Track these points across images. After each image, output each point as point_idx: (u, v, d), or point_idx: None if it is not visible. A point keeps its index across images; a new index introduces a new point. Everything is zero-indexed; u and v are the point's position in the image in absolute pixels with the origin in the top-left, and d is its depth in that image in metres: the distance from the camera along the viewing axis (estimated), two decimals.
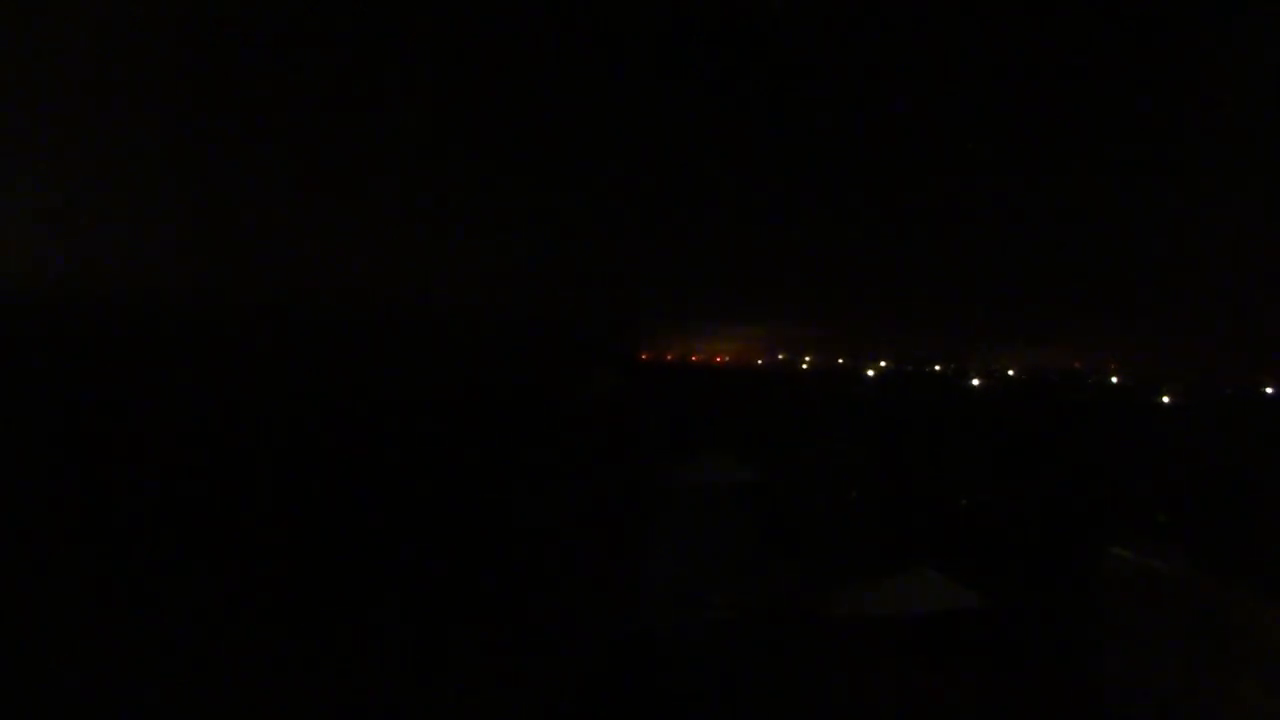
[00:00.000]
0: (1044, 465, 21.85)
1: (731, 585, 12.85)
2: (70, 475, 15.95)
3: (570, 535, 14.86)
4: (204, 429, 19.56)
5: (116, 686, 9.68)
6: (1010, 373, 60.10)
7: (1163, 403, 39.62)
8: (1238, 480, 19.28)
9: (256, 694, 9.86)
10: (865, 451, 21.66)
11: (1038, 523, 17.30)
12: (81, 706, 9.41)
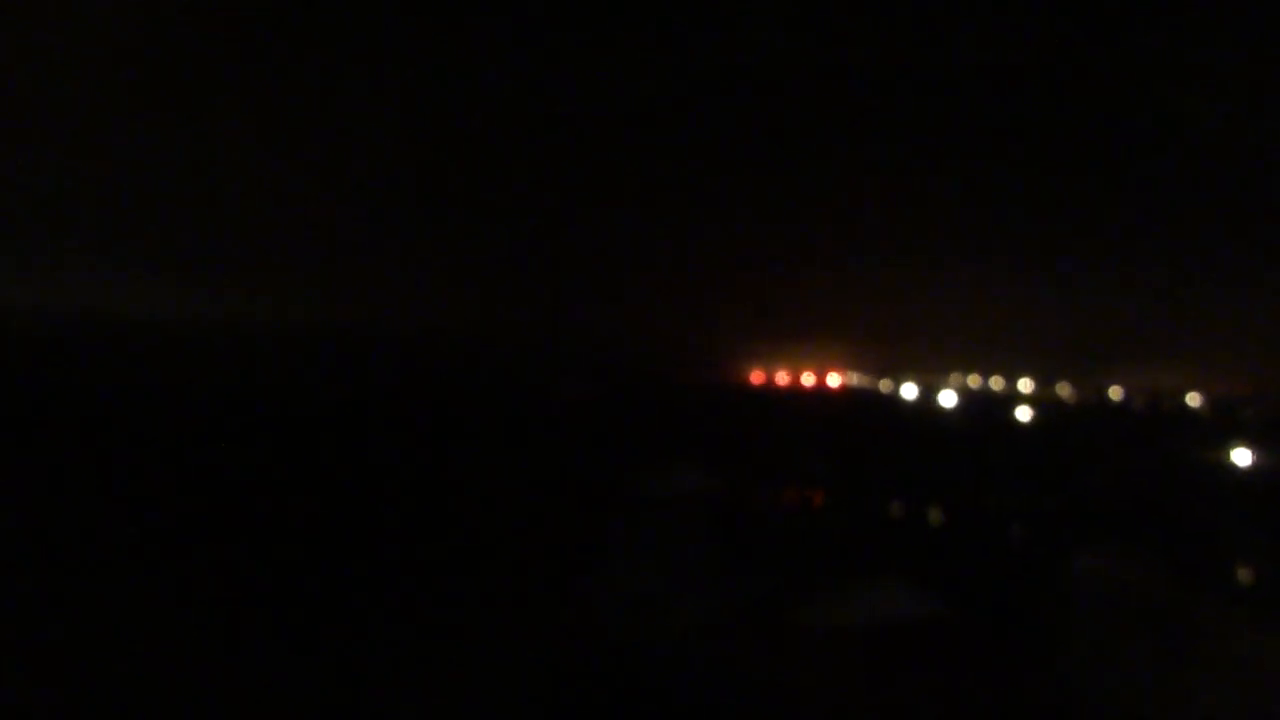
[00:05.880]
0: (1014, 471, 21.43)
1: (699, 594, 12.88)
2: (76, 478, 16.57)
3: (538, 543, 15.00)
4: (201, 432, 20.21)
5: (113, 686, 10.10)
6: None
7: (1130, 410, 38.33)
8: (1210, 487, 18.81)
9: (243, 695, 10.20)
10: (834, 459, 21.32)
11: (1005, 530, 17.04)
12: (79, 706, 9.83)
